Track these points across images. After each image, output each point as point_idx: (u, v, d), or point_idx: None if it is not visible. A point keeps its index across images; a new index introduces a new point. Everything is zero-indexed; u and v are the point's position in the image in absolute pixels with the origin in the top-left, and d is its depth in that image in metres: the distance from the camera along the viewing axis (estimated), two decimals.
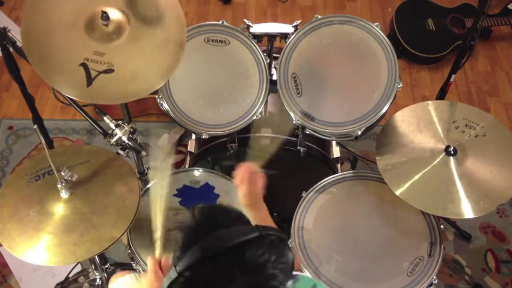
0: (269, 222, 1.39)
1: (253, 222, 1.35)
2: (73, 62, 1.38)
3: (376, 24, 1.73)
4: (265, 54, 1.77)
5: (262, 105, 1.75)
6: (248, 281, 0.80)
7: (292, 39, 1.76)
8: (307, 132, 1.76)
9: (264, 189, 1.43)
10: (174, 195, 1.77)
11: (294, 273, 0.89)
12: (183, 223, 0.89)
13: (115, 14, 1.44)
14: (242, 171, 1.42)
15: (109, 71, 1.37)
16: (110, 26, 1.42)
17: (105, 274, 1.89)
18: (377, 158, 1.68)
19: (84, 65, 1.37)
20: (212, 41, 1.78)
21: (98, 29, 1.43)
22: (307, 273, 1.59)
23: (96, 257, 1.79)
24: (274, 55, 1.88)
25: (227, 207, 0.93)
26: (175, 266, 0.84)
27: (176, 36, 1.48)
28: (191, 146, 2.06)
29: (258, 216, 1.39)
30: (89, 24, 1.42)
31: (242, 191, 1.40)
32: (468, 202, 1.53)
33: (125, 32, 1.44)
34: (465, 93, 2.93)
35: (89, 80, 1.36)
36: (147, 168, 2.24)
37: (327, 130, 1.73)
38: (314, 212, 1.71)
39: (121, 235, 1.41)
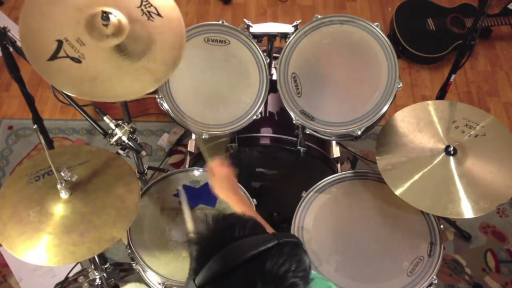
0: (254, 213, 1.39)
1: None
2: (52, 35, 1.37)
3: (376, 24, 1.73)
4: (265, 54, 1.77)
5: (262, 105, 1.75)
6: None
7: (292, 39, 1.75)
8: (307, 132, 1.76)
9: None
10: (174, 195, 1.77)
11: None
12: (196, 234, 0.87)
13: (116, 16, 1.44)
14: (210, 167, 1.46)
15: (76, 60, 1.37)
16: (110, 28, 1.41)
17: (104, 274, 1.89)
18: (377, 158, 1.68)
19: (59, 42, 1.36)
20: (212, 41, 1.78)
21: (97, 27, 1.42)
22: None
23: (96, 257, 1.79)
24: (274, 55, 1.88)
25: (242, 216, 0.91)
26: (193, 280, 0.83)
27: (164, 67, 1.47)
28: (191, 146, 2.06)
29: (243, 208, 1.40)
30: (89, 20, 1.42)
31: (212, 182, 1.44)
32: (468, 202, 1.53)
33: (120, 40, 1.42)
34: (465, 93, 2.93)
35: (53, 57, 1.35)
36: (147, 168, 2.24)
37: (327, 130, 1.73)
38: (314, 212, 1.71)
39: (121, 235, 1.41)
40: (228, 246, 0.82)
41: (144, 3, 1.47)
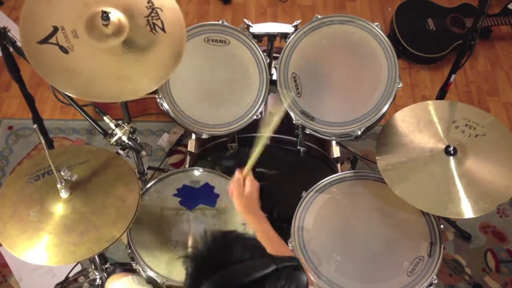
0: (270, 234, 1.37)
1: (256, 234, 1.34)
2: (51, 21, 1.37)
3: (376, 24, 1.73)
4: (265, 54, 1.77)
5: (262, 105, 1.75)
6: None
7: (292, 39, 1.75)
8: (307, 132, 1.76)
9: (259, 195, 1.44)
10: (174, 195, 1.77)
11: None
12: (194, 250, 0.85)
13: (116, 16, 1.44)
14: (235, 181, 1.44)
15: (64, 50, 1.36)
16: (109, 29, 1.41)
17: (105, 274, 1.89)
18: (377, 158, 1.68)
19: (54, 28, 1.36)
20: (212, 41, 1.78)
21: (96, 25, 1.41)
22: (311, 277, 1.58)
23: (96, 257, 1.79)
24: (274, 55, 1.88)
25: (241, 236, 0.88)
26: None
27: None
28: (191, 146, 2.06)
29: (259, 227, 1.38)
30: (92, 16, 1.41)
31: (236, 201, 1.42)
32: (468, 202, 1.53)
33: (115, 43, 1.41)
34: (465, 93, 2.93)
35: (43, 40, 1.35)
36: (147, 168, 2.24)
37: (327, 130, 1.73)
38: (314, 212, 1.71)
39: (121, 235, 1.41)
40: (224, 269, 0.80)
41: (153, 14, 1.44)
